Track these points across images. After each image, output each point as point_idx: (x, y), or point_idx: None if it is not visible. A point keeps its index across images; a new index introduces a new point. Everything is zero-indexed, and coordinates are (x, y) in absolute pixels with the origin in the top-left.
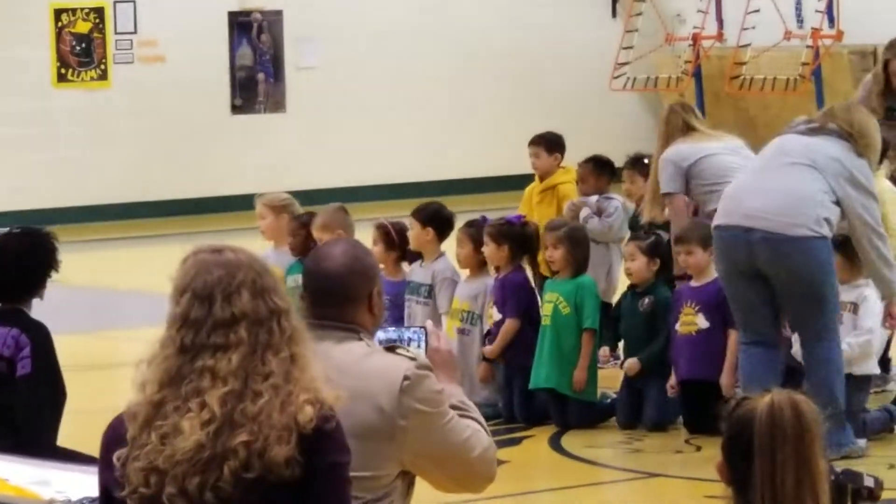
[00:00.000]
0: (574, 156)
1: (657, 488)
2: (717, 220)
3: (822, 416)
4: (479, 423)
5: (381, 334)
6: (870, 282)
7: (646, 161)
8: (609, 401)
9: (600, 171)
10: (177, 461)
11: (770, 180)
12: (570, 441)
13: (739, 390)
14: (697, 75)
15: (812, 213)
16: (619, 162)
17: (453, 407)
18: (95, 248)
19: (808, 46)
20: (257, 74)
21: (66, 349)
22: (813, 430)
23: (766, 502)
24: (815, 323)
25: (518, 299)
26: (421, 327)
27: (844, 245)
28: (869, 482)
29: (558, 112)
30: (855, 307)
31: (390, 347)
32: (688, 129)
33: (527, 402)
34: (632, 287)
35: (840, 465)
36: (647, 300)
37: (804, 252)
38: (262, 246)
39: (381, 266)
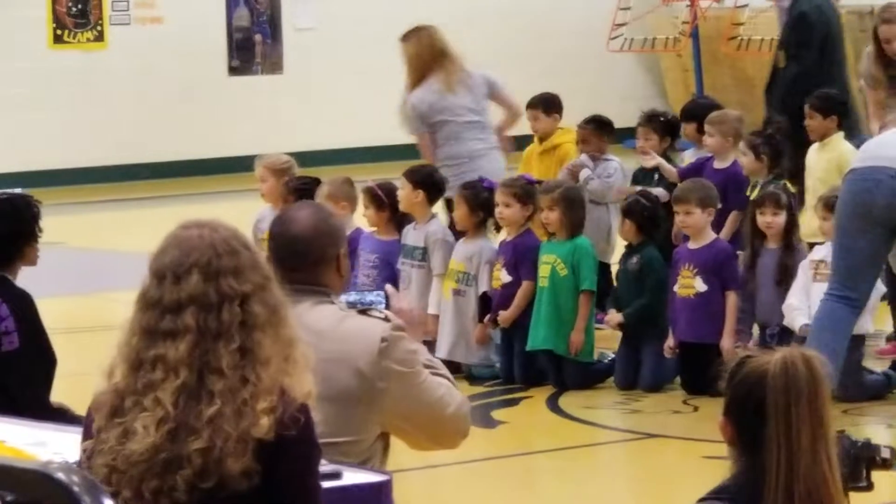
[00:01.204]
0: (571, 117)
1: (655, 449)
2: (857, 164)
3: None
4: (449, 379)
5: (343, 297)
6: None
7: (662, 119)
8: (607, 361)
9: (601, 131)
10: (133, 462)
11: None
12: (568, 402)
13: (740, 351)
14: (695, 36)
15: None
16: (617, 123)
17: (423, 365)
18: (92, 210)
19: None
20: (254, 36)
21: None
22: (825, 387)
23: (781, 460)
24: None
25: (533, 262)
26: (382, 291)
27: (829, 205)
28: (885, 453)
29: (555, 73)
30: None
31: (363, 310)
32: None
33: (525, 363)
34: (628, 245)
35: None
36: (635, 259)
37: None
38: (257, 207)
39: (374, 228)
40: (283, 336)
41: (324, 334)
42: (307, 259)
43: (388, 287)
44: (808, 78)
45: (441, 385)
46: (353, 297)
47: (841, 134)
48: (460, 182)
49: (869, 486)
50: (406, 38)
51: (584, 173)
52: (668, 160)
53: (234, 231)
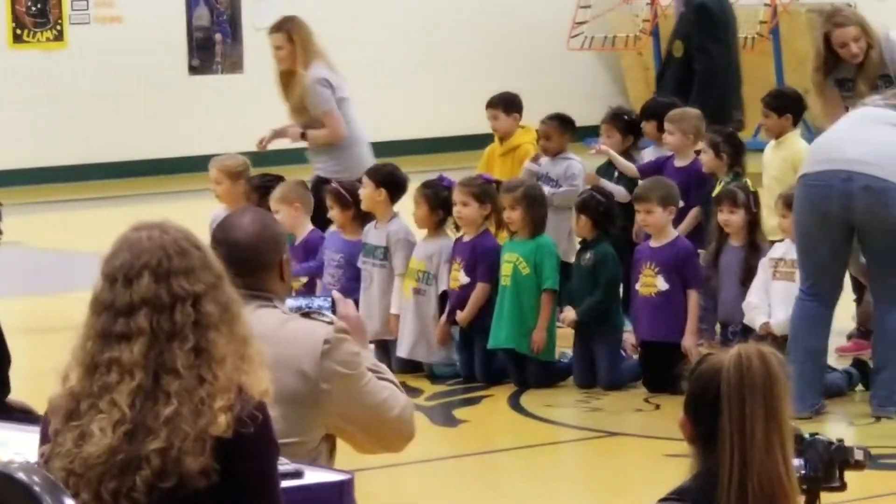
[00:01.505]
0: (531, 116)
1: (616, 447)
2: (808, 169)
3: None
4: (394, 383)
5: (291, 302)
6: None
7: (625, 117)
8: (568, 360)
9: (563, 128)
10: (90, 465)
11: (866, 132)
12: (529, 400)
13: (702, 349)
14: (655, 34)
15: None
16: (577, 121)
17: (368, 370)
18: (51, 210)
19: (765, 4)
20: (214, 35)
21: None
22: (781, 382)
23: (735, 454)
24: None
25: (490, 264)
26: (329, 296)
27: (789, 203)
28: (859, 455)
29: (516, 72)
30: None
31: (306, 313)
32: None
33: (486, 361)
34: (582, 241)
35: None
36: (588, 255)
37: None
38: (216, 207)
39: (341, 228)
40: (237, 334)
41: (266, 337)
42: (249, 265)
43: (335, 293)
44: (717, 71)
45: (385, 388)
46: (300, 301)
47: (797, 132)
48: (356, 162)
49: (842, 487)
50: (287, 22)
51: (547, 191)
52: (630, 160)
53: (185, 232)
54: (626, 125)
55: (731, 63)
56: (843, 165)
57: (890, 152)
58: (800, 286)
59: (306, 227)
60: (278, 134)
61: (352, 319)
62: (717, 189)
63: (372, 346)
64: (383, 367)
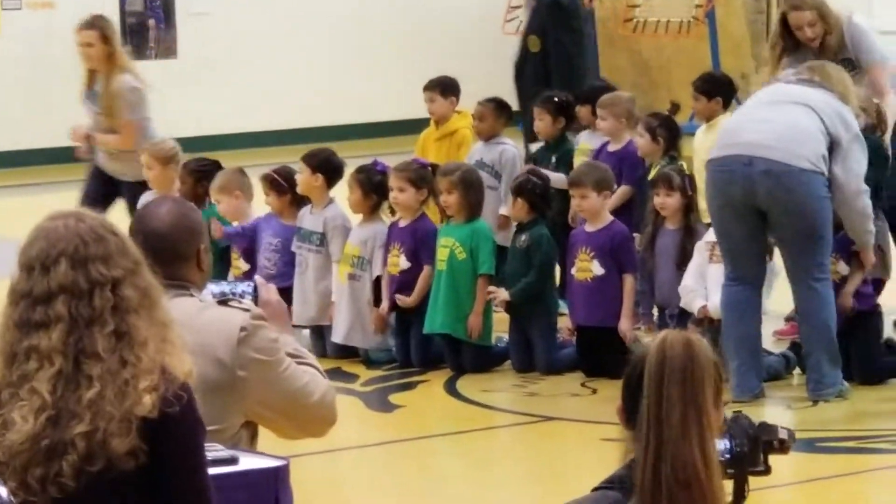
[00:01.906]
0: (467, 100)
1: (553, 432)
2: (713, 154)
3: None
4: (316, 368)
5: (214, 287)
6: None
7: (556, 99)
8: (504, 345)
9: (499, 112)
10: (14, 453)
11: (770, 114)
12: (466, 385)
13: (639, 333)
14: (590, 18)
15: (812, 148)
16: (513, 105)
17: (289, 355)
18: None
19: None
20: (148, 20)
21: None
22: (704, 371)
23: (650, 437)
24: (811, 260)
25: (433, 247)
26: (252, 281)
27: None
28: (783, 434)
29: (451, 56)
30: None
31: (223, 301)
32: None
33: (422, 346)
34: (517, 224)
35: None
36: (523, 237)
37: (805, 185)
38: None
39: (278, 213)
40: (157, 318)
41: (183, 326)
42: (165, 255)
43: (258, 278)
44: (570, 62)
45: (306, 373)
46: (224, 286)
47: (727, 115)
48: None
49: (766, 471)
50: (101, 20)
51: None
52: (564, 141)
53: (100, 219)
54: (557, 108)
55: (583, 53)
56: (745, 150)
57: (791, 135)
58: (724, 273)
59: (249, 215)
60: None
61: (273, 305)
62: (653, 173)
63: (307, 332)
64: (305, 351)
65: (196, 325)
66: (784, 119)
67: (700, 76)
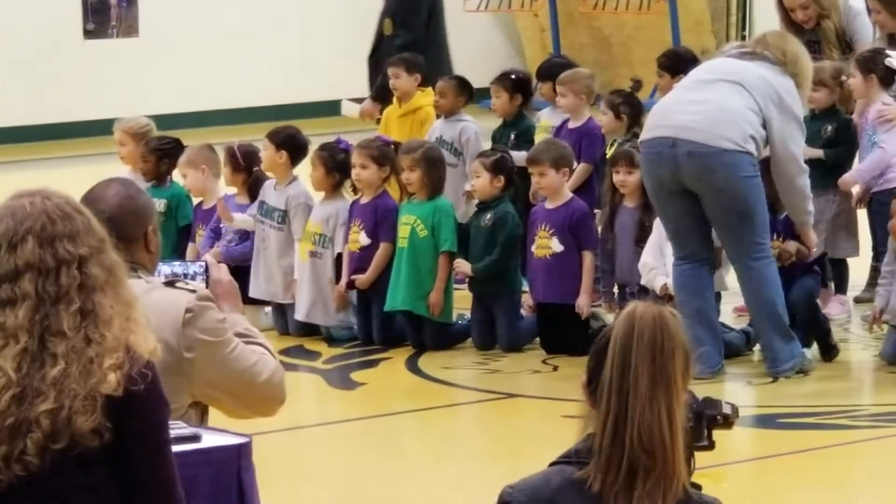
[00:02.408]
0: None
1: (514, 409)
2: (643, 136)
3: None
4: (266, 347)
5: (165, 268)
6: None
7: (513, 76)
8: (466, 322)
9: (461, 90)
10: None
11: (699, 95)
12: (428, 363)
13: (598, 311)
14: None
15: (738, 128)
16: (473, 83)
17: (238, 335)
18: None
19: None
20: None
21: None
22: (675, 342)
23: (612, 404)
24: (746, 239)
25: (391, 223)
26: (203, 261)
27: None
28: (727, 409)
29: None
30: None
31: (169, 282)
32: None
33: (384, 324)
34: (480, 203)
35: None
36: (488, 215)
37: (729, 166)
38: (115, 171)
39: (234, 190)
40: (122, 296)
41: None
42: (112, 236)
43: (208, 257)
44: (418, 46)
45: (254, 353)
46: (176, 267)
47: None
48: None
49: (710, 446)
50: None
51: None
52: (522, 118)
53: (66, 197)
54: (514, 84)
55: (433, 40)
56: (670, 132)
57: (716, 116)
58: (674, 253)
59: (216, 192)
60: None
61: (224, 284)
62: (611, 150)
63: (268, 309)
64: (255, 331)
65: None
66: (712, 99)
67: (664, 53)
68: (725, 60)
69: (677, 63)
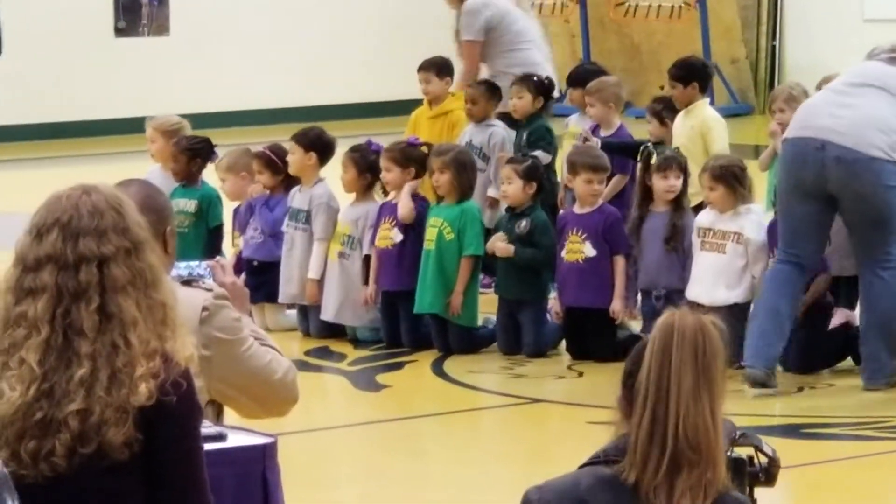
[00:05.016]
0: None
1: (539, 414)
2: (789, 133)
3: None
4: (276, 349)
5: (172, 271)
6: (751, 209)
7: (535, 79)
8: (492, 326)
9: (491, 94)
10: (6, 423)
11: (847, 99)
12: (453, 366)
13: (630, 316)
14: (582, 2)
15: (886, 137)
16: None
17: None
18: None
19: None
20: None
21: None
22: (716, 347)
23: (649, 401)
24: (877, 249)
25: (420, 214)
26: (210, 264)
27: (724, 175)
28: (768, 450)
29: (440, 38)
30: (738, 236)
31: (186, 282)
32: None
33: (411, 327)
34: (509, 209)
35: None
36: (524, 223)
37: (876, 174)
38: (145, 169)
39: (268, 191)
40: (154, 299)
41: None
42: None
43: (212, 262)
44: None
45: (268, 352)
46: (182, 269)
47: (706, 100)
48: None
49: None
50: None
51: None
52: (535, 118)
53: (110, 195)
54: (537, 87)
55: None
56: (818, 133)
57: (865, 122)
58: (777, 252)
59: (249, 196)
60: None
61: (230, 287)
62: (641, 156)
63: (293, 312)
64: (263, 333)
65: None
66: (861, 105)
67: (674, 63)
68: (876, 64)
69: (688, 72)
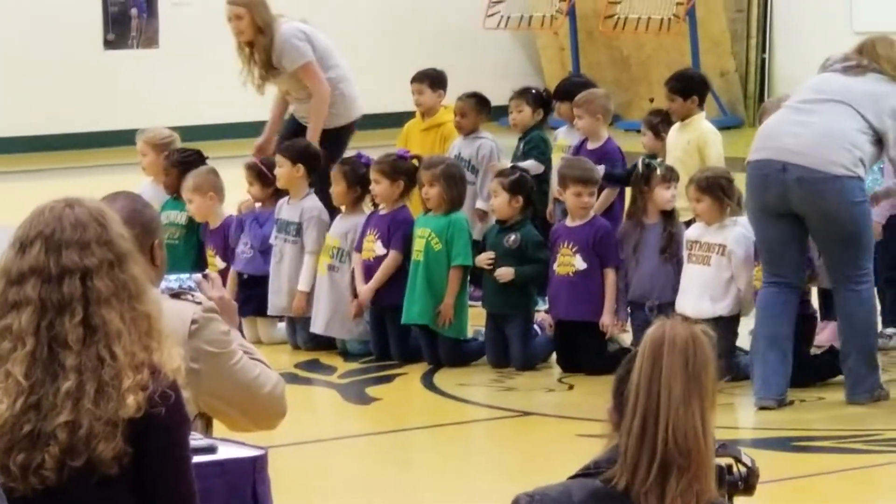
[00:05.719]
0: (447, 94)
1: (529, 427)
2: (751, 156)
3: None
4: (264, 363)
5: (161, 283)
6: (738, 221)
7: (533, 91)
8: (481, 339)
9: (480, 107)
10: None
11: (807, 117)
12: (443, 379)
13: (614, 332)
14: (572, 14)
15: (847, 153)
16: (492, 101)
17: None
18: None
19: None
20: (130, 10)
21: None
22: (706, 355)
23: (638, 407)
24: (849, 264)
25: (403, 234)
26: (197, 278)
27: (710, 186)
28: (747, 460)
29: (431, 50)
30: (723, 249)
31: (176, 294)
32: None
33: (400, 339)
34: (499, 222)
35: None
36: (512, 237)
37: (839, 192)
38: (135, 181)
39: (259, 204)
40: (138, 311)
41: None
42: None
43: (199, 276)
44: None
45: (256, 366)
46: (173, 282)
47: (703, 114)
48: None
49: None
50: None
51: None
52: (531, 130)
53: (94, 208)
54: (535, 100)
55: None
56: (778, 155)
57: (825, 141)
58: (763, 276)
59: (220, 215)
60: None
61: (217, 301)
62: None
63: (282, 325)
64: (251, 346)
65: None
66: (819, 122)
67: (673, 76)
68: (833, 77)
69: (688, 85)
